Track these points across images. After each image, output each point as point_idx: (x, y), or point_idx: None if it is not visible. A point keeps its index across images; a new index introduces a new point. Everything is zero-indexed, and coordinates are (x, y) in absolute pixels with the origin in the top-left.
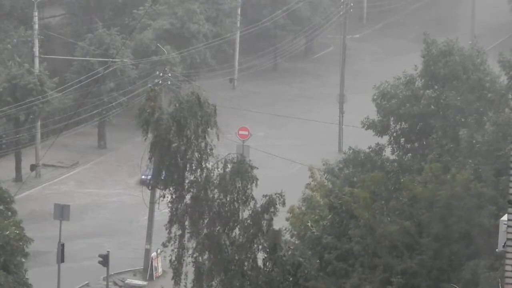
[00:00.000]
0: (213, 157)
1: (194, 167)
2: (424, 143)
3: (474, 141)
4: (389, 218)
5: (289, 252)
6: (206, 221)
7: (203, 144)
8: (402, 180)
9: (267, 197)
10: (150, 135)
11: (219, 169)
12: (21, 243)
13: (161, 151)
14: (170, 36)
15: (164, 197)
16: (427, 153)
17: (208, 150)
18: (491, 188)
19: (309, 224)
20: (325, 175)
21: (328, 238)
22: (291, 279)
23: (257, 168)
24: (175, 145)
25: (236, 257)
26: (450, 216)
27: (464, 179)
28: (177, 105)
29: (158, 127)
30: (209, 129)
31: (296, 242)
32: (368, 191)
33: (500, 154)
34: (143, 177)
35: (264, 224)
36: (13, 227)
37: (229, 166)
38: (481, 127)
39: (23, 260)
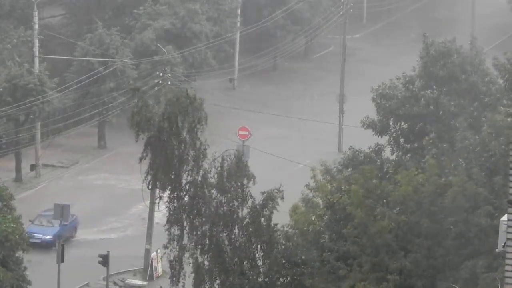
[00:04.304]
0: (207, 158)
1: (190, 167)
2: (424, 143)
3: (467, 141)
4: (382, 217)
5: (288, 247)
6: (204, 220)
7: (198, 143)
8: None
9: (265, 194)
10: (143, 136)
11: (216, 168)
12: (17, 236)
13: (155, 151)
14: (171, 36)
15: (160, 198)
16: (425, 154)
17: (202, 149)
18: (484, 189)
19: (313, 218)
20: (324, 175)
21: (326, 238)
22: (288, 278)
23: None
24: (169, 145)
25: (236, 258)
26: (438, 213)
27: (459, 180)
28: (166, 101)
29: (150, 127)
30: (200, 126)
31: (298, 239)
32: (362, 188)
33: (490, 154)
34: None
35: (263, 220)
36: (11, 223)
37: (227, 164)
38: (477, 130)
39: (24, 252)
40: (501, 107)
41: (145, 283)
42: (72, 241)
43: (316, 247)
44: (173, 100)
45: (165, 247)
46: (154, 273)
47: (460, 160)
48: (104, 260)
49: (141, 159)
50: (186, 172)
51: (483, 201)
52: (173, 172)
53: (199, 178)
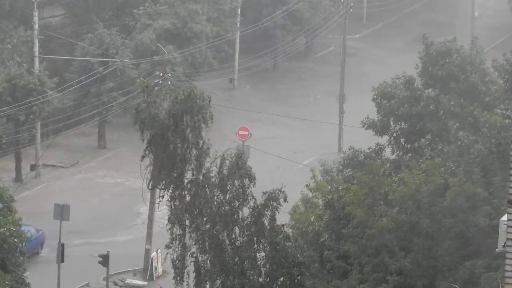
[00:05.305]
0: (210, 157)
1: (192, 166)
2: (421, 144)
3: (459, 142)
4: (382, 216)
5: (289, 247)
6: (205, 220)
7: (201, 142)
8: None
9: (267, 194)
10: (147, 134)
11: (217, 167)
12: (16, 239)
13: (158, 150)
14: (171, 36)
15: (163, 197)
16: (424, 154)
17: (205, 148)
18: (483, 189)
19: (312, 219)
20: (324, 175)
21: (326, 236)
22: (289, 278)
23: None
24: (172, 144)
25: (237, 258)
26: (438, 213)
27: (456, 181)
28: (173, 99)
29: (155, 124)
30: (205, 125)
31: (298, 239)
32: (366, 187)
33: (477, 154)
34: None
35: (266, 221)
36: (11, 225)
37: (227, 163)
38: (476, 131)
39: (21, 258)
40: (498, 110)
41: (145, 283)
42: (40, 256)
43: (316, 247)
44: (181, 97)
45: (168, 246)
46: (154, 273)
47: (447, 163)
48: (104, 260)
49: (143, 157)
50: (188, 171)
51: (481, 201)
52: (175, 171)
53: (201, 177)
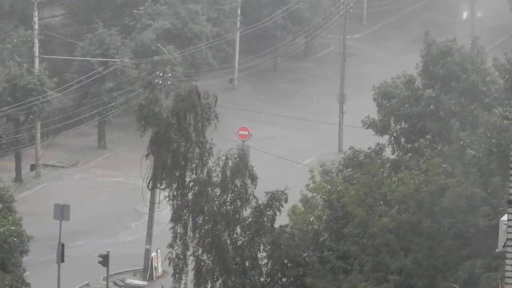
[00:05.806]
0: (213, 155)
1: (195, 165)
2: (420, 145)
3: (462, 142)
4: (382, 216)
5: (291, 247)
6: (207, 219)
7: (204, 141)
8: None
9: (269, 194)
10: (149, 132)
11: (219, 167)
12: (16, 239)
13: (161, 148)
14: (171, 36)
15: (169, 197)
16: (424, 154)
17: (208, 147)
18: (481, 189)
19: (311, 219)
20: (323, 176)
21: (326, 236)
22: (291, 278)
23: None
24: (175, 142)
25: (238, 258)
26: (439, 213)
27: (455, 181)
28: (175, 97)
29: (158, 122)
30: (208, 124)
31: (297, 240)
32: (366, 187)
33: (473, 155)
34: None
35: (266, 221)
36: (11, 225)
37: (230, 163)
38: (476, 131)
39: (22, 257)
40: (496, 110)
41: (145, 283)
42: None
43: (315, 247)
44: (183, 95)
45: (171, 246)
46: (154, 273)
47: (444, 164)
48: (104, 260)
49: (147, 155)
50: (190, 170)
51: (480, 202)
52: (177, 170)
53: (204, 176)
